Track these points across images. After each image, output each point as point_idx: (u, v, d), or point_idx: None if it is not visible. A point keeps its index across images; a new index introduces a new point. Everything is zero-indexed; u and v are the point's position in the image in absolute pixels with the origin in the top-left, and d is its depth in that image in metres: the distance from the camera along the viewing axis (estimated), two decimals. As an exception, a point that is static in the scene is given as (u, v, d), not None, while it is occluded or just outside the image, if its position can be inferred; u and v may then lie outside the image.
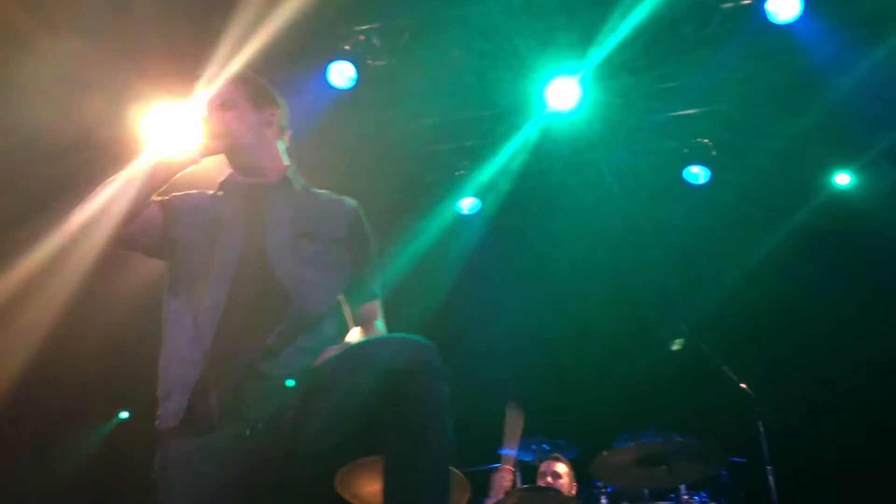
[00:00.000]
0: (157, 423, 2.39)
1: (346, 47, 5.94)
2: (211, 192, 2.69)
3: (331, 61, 5.88)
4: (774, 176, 6.38)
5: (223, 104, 2.66)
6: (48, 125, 5.71)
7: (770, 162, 6.33)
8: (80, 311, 6.39)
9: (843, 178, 6.78)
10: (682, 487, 4.92)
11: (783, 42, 5.65)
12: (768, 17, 5.39)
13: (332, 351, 2.38)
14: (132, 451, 7.11)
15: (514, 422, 5.35)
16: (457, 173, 7.06)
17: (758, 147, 6.39)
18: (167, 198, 2.57)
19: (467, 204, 7.14)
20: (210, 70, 6.13)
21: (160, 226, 2.53)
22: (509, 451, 5.46)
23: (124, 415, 7.62)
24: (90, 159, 6.26)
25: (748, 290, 6.55)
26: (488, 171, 6.76)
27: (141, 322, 6.77)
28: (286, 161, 2.74)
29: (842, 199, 6.68)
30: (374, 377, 2.15)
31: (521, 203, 7.06)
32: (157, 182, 2.48)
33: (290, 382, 2.31)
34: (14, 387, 6.09)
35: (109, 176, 6.62)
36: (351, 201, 2.74)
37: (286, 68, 5.92)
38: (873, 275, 6.46)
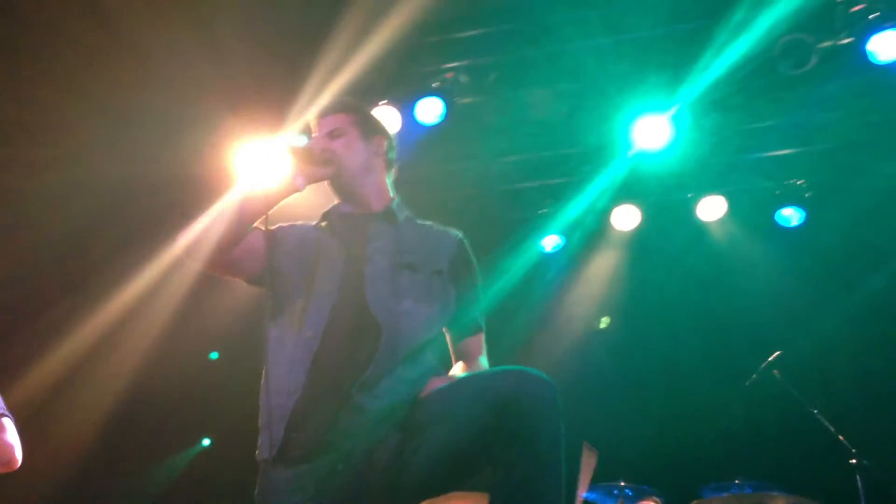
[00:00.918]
0: (257, 452, 2.39)
1: (434, 84, 6.00)
2: (314, 222, 2.68)
3: (419, 98, 5.93)
4: (875, 216, 6.12)
5: (331, 132, 2.65)
6: (146, 161, 5.93)
7: (870, 202, 6.08)
8: (170, 339, 6.57)
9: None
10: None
11: (884, 81, 5.46)
12: (869, 57, 5.21)
13: (438, 382, 2.33)
14: (213, 479, 7.25)
15: (587, 464, 5.19)
16: (540, 211, 7.01)
17: (857, 187, 6.16)
18: (271, 228, 2.58)
19: (550, 242, 7.07)
20: (300, 107, 6.32)
21: (262, 255, 2.53)
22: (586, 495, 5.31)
23: (206, 442, 7.75)
24: (185, 194, 6.48)
25: (849, 334, 6.27)
26: (574, 209, 6.69)
27: (226, 352, 6.97)
28: (392, 193, 2.72)
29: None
30: (490, 410, 2.05)
31: (607, 242, 6.96)
32: (260, 208, 2.48)
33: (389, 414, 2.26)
34: (110, 413, 6.27)
35: (204, 210, 6.79)
36: (456, 232, 2.70)
37: (374, 105, 6.03)
38: None
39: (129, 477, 6.90)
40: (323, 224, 2.66)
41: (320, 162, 2.55)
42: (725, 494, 4.71)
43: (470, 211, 6.75)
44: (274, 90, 6.17)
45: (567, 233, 6.95)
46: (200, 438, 7.72)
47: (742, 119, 5.97)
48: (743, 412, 6.04)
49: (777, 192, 6.51)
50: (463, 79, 6.12)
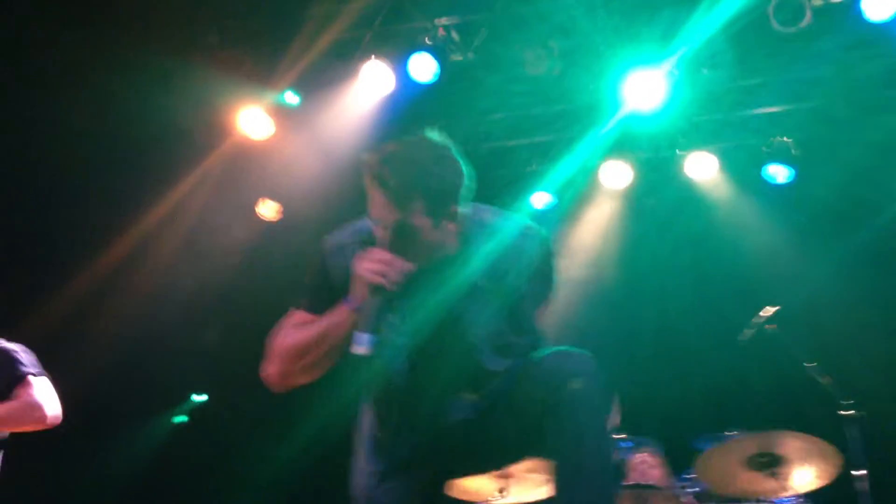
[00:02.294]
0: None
1: (426, 41, 5.95)
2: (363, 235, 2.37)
3: (410, 55, 5.88)
4: (864, 171, 6.18)
5: (400, 233, 2.24)
6: (138, 114, 5.90)
7: (861, 157, 6.13)
8: (162, 294, 6.58)
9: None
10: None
11: (877, 39, 5.47)
12: (862, 15, 5.21)
13: None
14: (209, 435, 7.32)
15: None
16: (528, 169, 7.02)
17: (848, 142, 6.20)
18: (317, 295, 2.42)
19: (540, 200, 7.05)
20: (287, 61, 6.24)
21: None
22: None
23: (201, 398, 7.80)
24: (173, 149, 6.46)
25: (839, 288, 6.37)
26: (564, 167, 6.70)
27: (220, 310, 6.98)
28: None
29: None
30: (539, 387, 2.29)
31: (599, 200, 6.99)
32: (335, 349, 2.32)
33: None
34: (103, 369, 6.28)
35: (192, 165, 6.73)
36: (535, 232, 2.52)
37: (365, 61, 5.99)
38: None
39: (123, 431, 6.95)
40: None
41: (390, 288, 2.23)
42: (738, 435, 4.73)
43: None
44: (261, 44, 6.13)
45: (558, 190, 6.96)
46: (196, 394, 7.78)
47: (735, 76, 5.98)
48: (737, 366, 6.13)
49: (766, 150, 6.53)
50: (454, 35, 6.08)
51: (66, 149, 5.82)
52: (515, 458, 2.66)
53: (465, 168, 2.36)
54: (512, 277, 2.39)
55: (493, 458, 2.63)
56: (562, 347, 2.40)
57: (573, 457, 2.23)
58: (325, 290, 2.37)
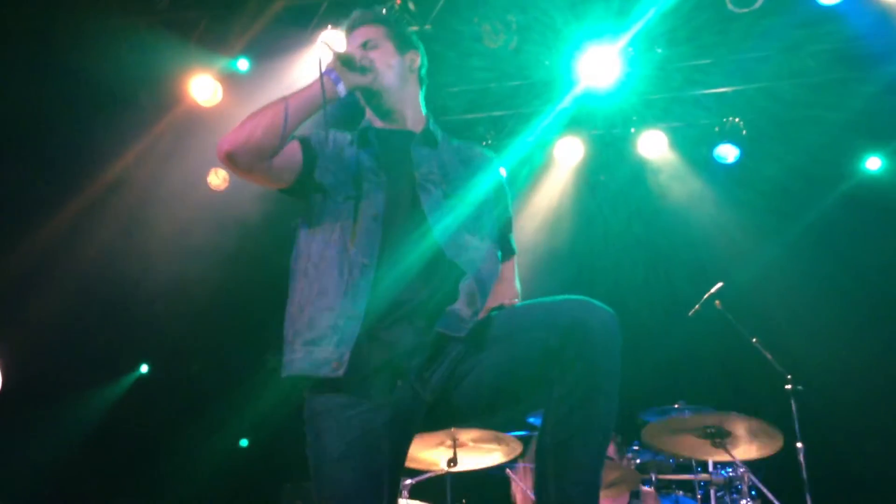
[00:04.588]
0: (288, 366, 2.34)
1: (382, 11, 5.87)
2: (350, 135, 2.56)
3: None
4: (814, 151, 6.33)
5: (366, 44, 2.57)
6: (78, 81, 5.71)
7: (810, 138, 6.27)
8: (108, 264, 6.43)
9: (874, 162, 6.73)
10: (710, 462, 4.96)
11: (828, 21, 5.59)
12: (815, -1, 5.31)
13: (492, 303, 2.40)
14: (152, 405, 7.21)
15: None
16: (484, 143, 7.00)
17: (798, 122, 6.34)
18: (307, 135, 2.47)
19: (496, 174, 7.05)
20: (240, 26, 6.08)
21: (300, 165, 2.43)
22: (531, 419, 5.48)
23: (144, 368, 7.68)
24: (121, 115, 6.29)
25: (785, 264, 6.54)
26: (520, 142, 6.72)
27: (164, 279, 6.85)
28: (425, 111, 2.65)
29: (878, 176, 6.65)
30: (554, 333, 2.12)
31: (552, 175, 7.03)
32: (301, 115, 2.36)
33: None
34: (45, 340, 6.12)
35: (141, 132, 6.54)
36: (489, 153, 2.66)
37: (320, 29, 5.90)
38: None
39: (65, 403, 6.81)
40: (359, 139, 2.53)
41: (359, 68, 2.44)
42: (689, 414, 4.86)
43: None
44: (216, 8, 5.99)
45: (512, 165, 6.98)
46: (139, 365, 7.65)
47: (688, 54, 6.05)
48: (684, 341, 6.26)
49: (717, 130, 6.62)
50: (411, 5, 6.02)
51: (9, 114, 5.62)
52: (508, 404, 2.38)
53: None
54: (460, 182, 2.50)
55: (478, 408, 2.38)
56: (582, 297, 2.22)
57: (579, 416, 2.09)
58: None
